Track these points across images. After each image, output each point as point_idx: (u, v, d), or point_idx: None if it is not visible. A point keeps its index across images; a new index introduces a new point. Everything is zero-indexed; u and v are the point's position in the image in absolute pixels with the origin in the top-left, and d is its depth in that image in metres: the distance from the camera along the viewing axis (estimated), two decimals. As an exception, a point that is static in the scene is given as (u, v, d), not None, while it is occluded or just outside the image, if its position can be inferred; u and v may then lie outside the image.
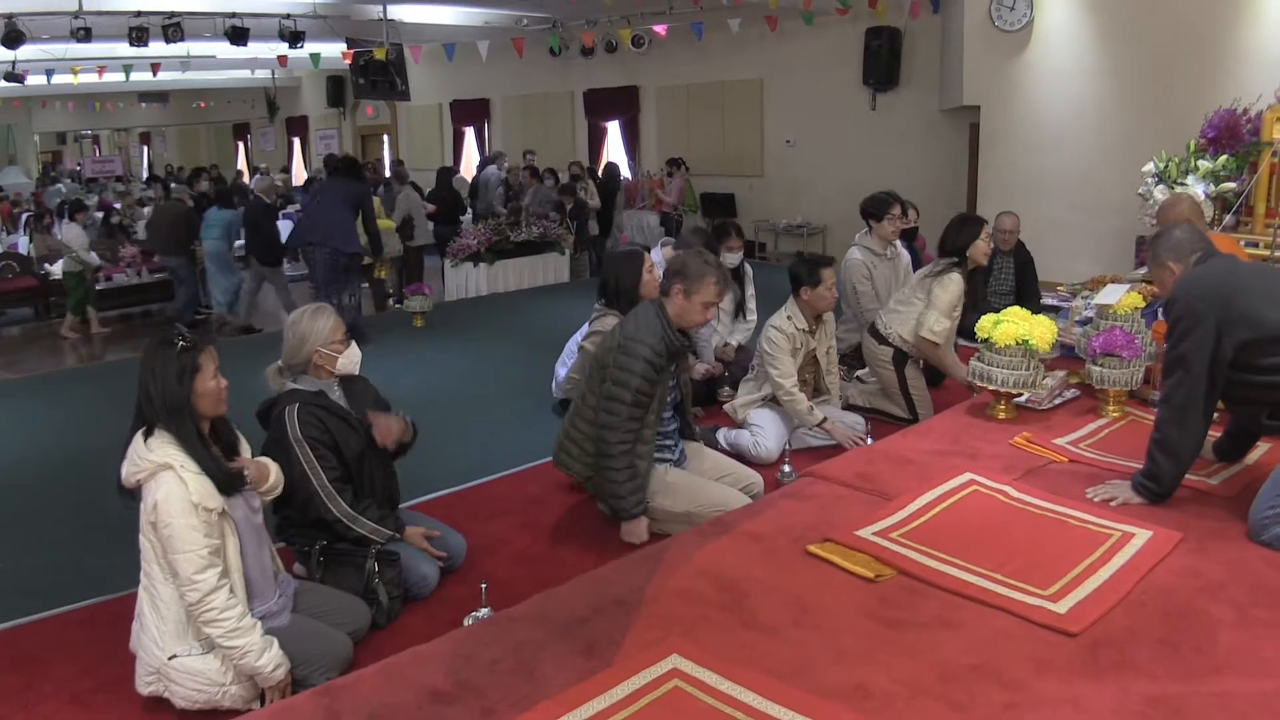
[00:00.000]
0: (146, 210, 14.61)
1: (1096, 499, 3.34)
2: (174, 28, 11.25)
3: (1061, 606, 2.63)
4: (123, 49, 11.91)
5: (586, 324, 5.37)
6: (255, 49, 12.97)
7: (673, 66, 14.52)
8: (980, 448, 3.96)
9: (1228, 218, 6.71)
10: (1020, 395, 4.36)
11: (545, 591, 2.87)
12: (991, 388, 4.31)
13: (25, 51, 11.61)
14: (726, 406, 5.36)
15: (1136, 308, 4.63)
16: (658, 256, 5.66)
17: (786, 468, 4.62)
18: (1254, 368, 3.04)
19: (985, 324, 4.40)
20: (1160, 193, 6.87)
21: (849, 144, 12.43)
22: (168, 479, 2.68)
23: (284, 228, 10.64)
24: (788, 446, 4.91)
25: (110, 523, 3.99)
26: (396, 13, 12.87)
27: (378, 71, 13.98)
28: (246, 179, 18.51)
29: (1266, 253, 6.09)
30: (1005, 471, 3.64)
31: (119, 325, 10.42)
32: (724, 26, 12.18)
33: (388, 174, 14.21)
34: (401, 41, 13.81)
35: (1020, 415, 4.36)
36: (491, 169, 13.82)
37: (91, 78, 15.52)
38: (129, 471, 2.74)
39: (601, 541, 4.03)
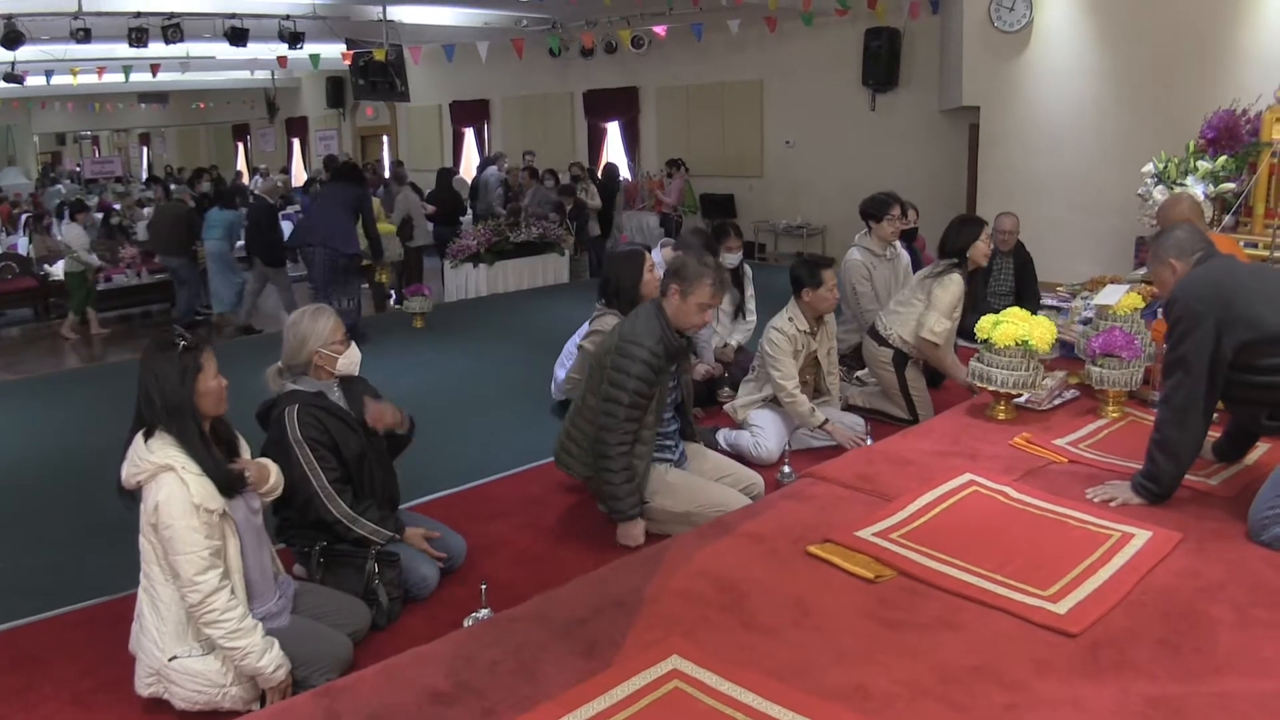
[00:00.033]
0: (146, 211, 14.61)
1: (1096, 499, 3.34)
2: (173, 29, 11.25)
3: (1061, 607, 2.63)
4: (122, 50, 11.92)
5: (586, 324, 5.37)
6: (255, 50, 12.98)
7: (672, 67, 14.52)
8: (980, 448, 3.96)
9: (1227, 218, 6.72)
10: (1020, 396, 4.36)
11: (545, 592, 2.87)
12: (991, 388, 4.31)
13: (25, 52, 11.61)
14: (727, 407, 5.36)
15: (1136, 308, 4.63)
16: (657, 257, 5.66)
17: (786, 468, 4.62)
18: (1254, 368, 3.04)
19: (985, 325, 4.40)
20: (1160, 193, 6.88)
21: (848, 145, 12.44)
22: (169, 480, 2.68)
23: (284, 228, 10.64)
24: (788, 447, 4.91)
25: (110, 524, 4.00)
26: (396, 13, 12.87)
27: (377, 72, 13.98)
28: (246, 180, 18.51)
29: (1266, 253, 6.09)
30: (1005, 472, 3.65)
31: (119, 326, 10.42)
32: (723, 27, 12.19)
33: (387, 175, 14.21)
34: (401, 42, 13.81)
35: (1020, 416, 4.36)
36: (492, 170, 13.83)
37: (91, 78, 15.52)
38: (129, 473, 2.74)
39: (602, 542, 4.03)
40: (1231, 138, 6.92)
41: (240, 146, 26.17)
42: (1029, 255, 6.97)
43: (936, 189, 11.08)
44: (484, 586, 3.23)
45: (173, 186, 17.48)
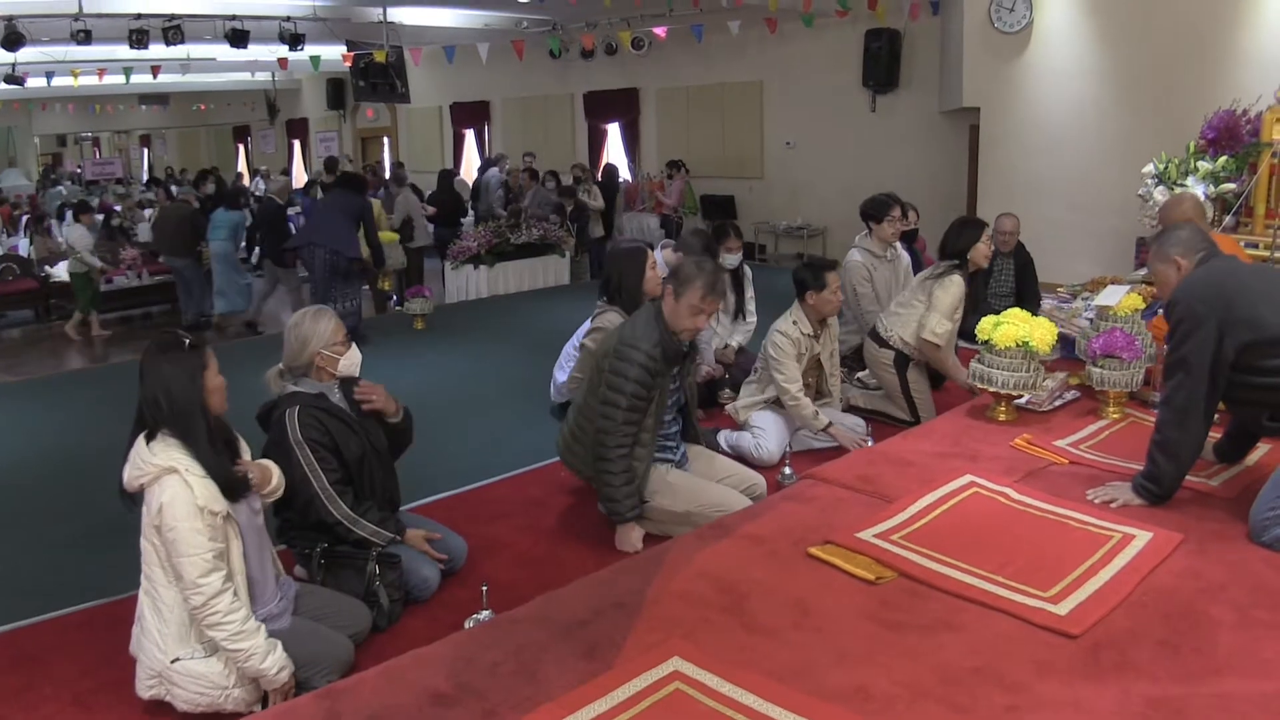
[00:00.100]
0: (147, 213, 14.64)
1: (1097, 500, 3.34)
2: (174, 30, 11.26)
3: (1062, 608, 2.63)
4: (123, 51, 11.92)
5: (586, 324, 5.37)
6: (255, 51, 12.97)
7: (672, 68, 14.53)
8: (981, 450, 3.96)
9: (1227, 219, 6.72)
10: (1020, 397, 4.37)
11: (546, 594, 2.87)
12: (992, 390, 4.32)
13: (25, 54, 11.63)
14: (728, 408, 5.36)
15: (1136, 309, 4.63)
16: (658, 258, 5.65)
17: (787, 470, 4.62)
18: (1255, 369, 3.04)
19: (985, 326, 4.41)
20: (1160, 194, 6.88)
21: (849, 146, 12.44)
22: (172, 483, 2.68)
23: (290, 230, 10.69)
24: (789, 448, 4.91)
25: (110, 525, 4.01)
26: (396, 15, 12.87)
27: (378, 74, 13.98)
28: (246, 181, 18.52)
29: (1266, 253, 6.09)
30: (1006, 473, 3.65)
31: (119, 328, 10.43)
32: (724, 28, 12.19)
33: (388, 177, 14.21)
34: (401, 44, 13.81)
35: (1021, 417, 4.37)
36: (493, 171, 13.83)
37: (92, 80, 15.53)
38: (131, 475, 2.74)
39: (602, 544, 4.03)
40: (1232, 138, 6.92)
41: (241, 148, 26.17)
42: (1029, 256, 6.97)
43: (937, 190, 11.08)
44: (485, 588, 3.24)
45: (174, 188, 17.51)
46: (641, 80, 15.13)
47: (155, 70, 14.51)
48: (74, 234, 9.98)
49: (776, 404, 5.03)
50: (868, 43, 11.90)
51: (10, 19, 10.36)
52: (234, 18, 11.60)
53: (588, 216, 12.22)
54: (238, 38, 11.75)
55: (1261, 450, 3.69)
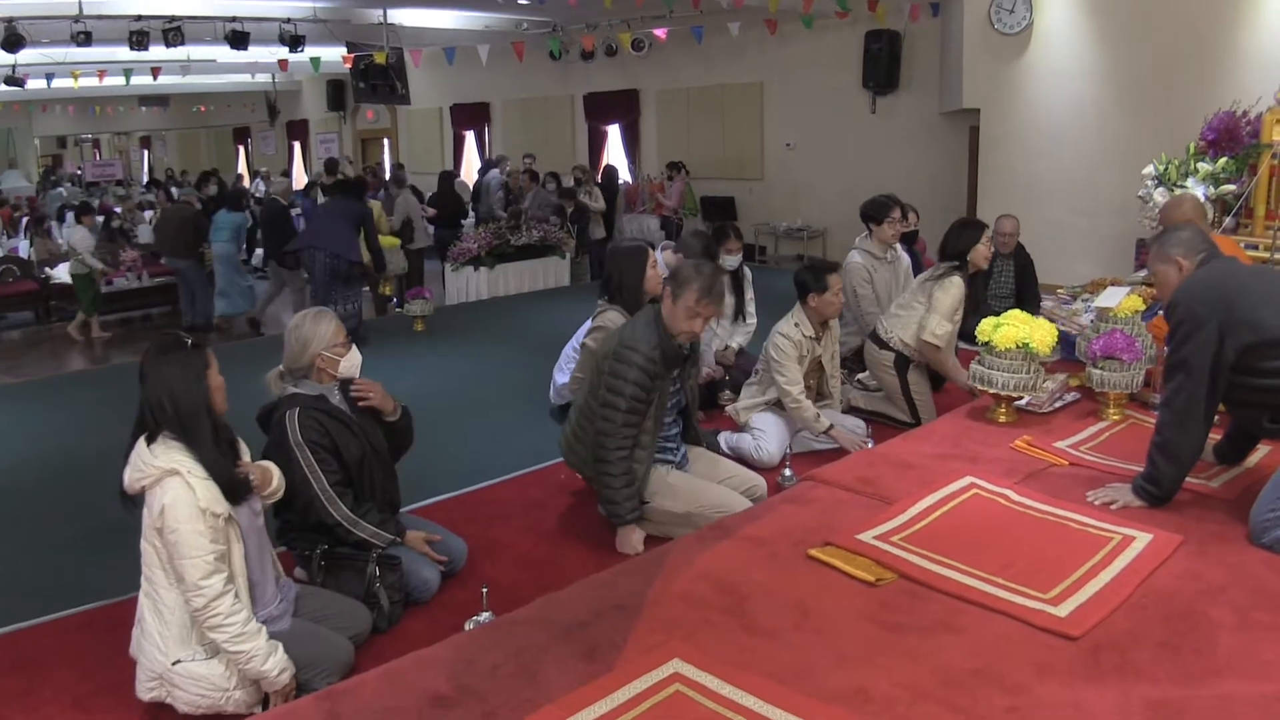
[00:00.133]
0: (148, 215, 14.63)
1: (1097, 502, 3.34)
2: (174, 32, 11.26)
3: (1062, 610, 2.63)
4: (123, 53, 11.92)
5: (585, 325, 5.37)
6: (255, 53, 12.96)
7: (673, 70, 14.53)
8: (981, 451, 3.96)
9: (1227, 220, 6.72)
10: (1021, 399, 4.37)
11: (546, 595, 2.87)
12: (992, 391, 4.32)
13: (25, 55, 11.61)
14: (729, 409, 5.35)
15: (1136, 311, 4.64)
16: (658, 259, 5.65)
17: (788, 471, 4.62)
18: (1255, 371, 3.04)
19: (985, 327, 4.41)
20: (1160, 195, 6.88)
21: (849, 147, 12.44)
22: (174, 485, 2.68)
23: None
24: (789, 450, 4.91)
25: (110, 526, 4.00)
26: (396, 17, 12.87)
27: (378, 75, 13.97)
28: (246, 183, 18.53)
29: (1266, 255, 6.10)
30: (1006, 475, 3.65)
31: (119, 329, 10.42)
32: (724, 30, 12.18)
33: (388, 178, 14.22)
34: (401, 45, 13.81)
35: (1021, 418, 4.37)
36: (494, 173, 13.84)
37: (92, 81, 15.52)
38: (133, 478, 2.73)
39: (603, 545, 4.03)
40: (1232, 139, 6.93)
41: (241, 150, 26.19)
42: (1029, 257, 6.97)
43: (937, 191, 11.09)
44: (485, 590, 3.24)
45: (175, 190, 17.51)
46: (642, 81, 15.14)
47: (155, 72, 14.51)
48: (75, 235, 9.98)
49: (777, 406, 5.03)
50: (868, 44, 11.90)
51: (10, 20, 10.37)
52: (234, 19, 11.60)
53: (588, 218, 12.22)
54: (238, 39, 11.75)
55: (1261, 452, 3.69)
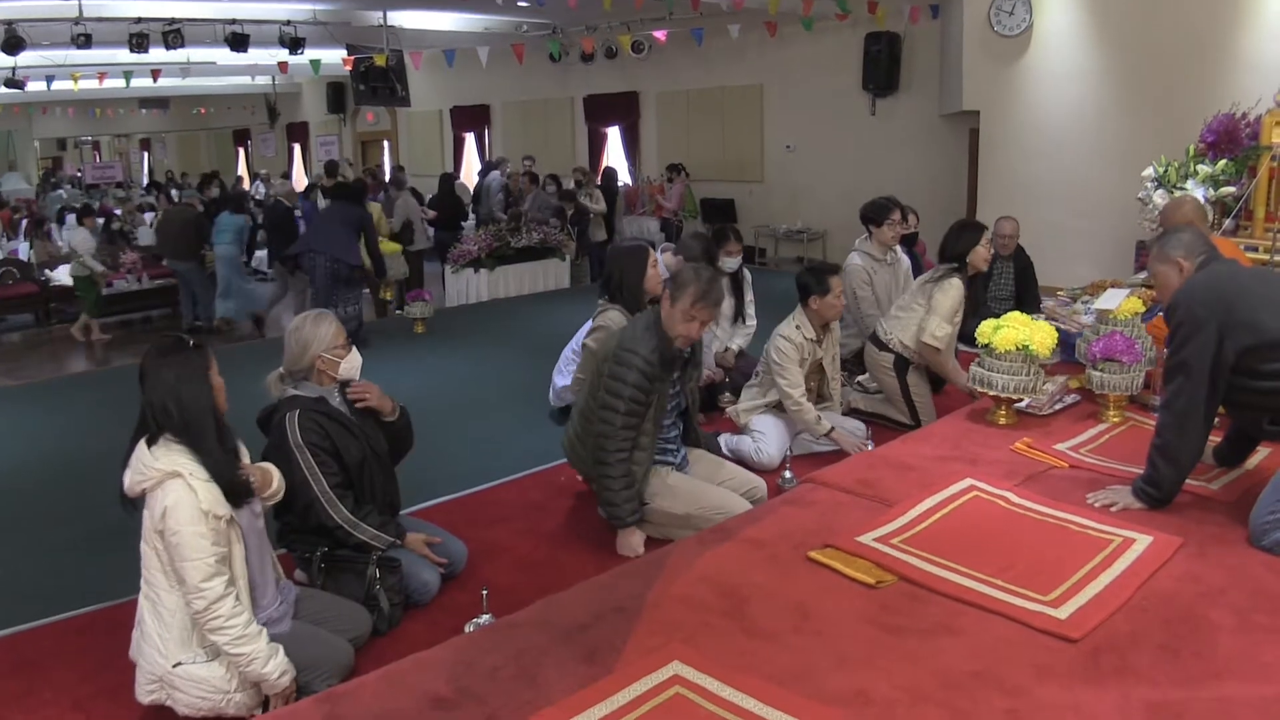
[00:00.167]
0: (148, 217, 14.64)
1: (1097, 504, 3.34)
2: (174, 34, 11.27)
3: (1062, 612, 2.63)
4: (123, 55, 11.94)
5: (584, 327, 5.37)
6: (255, 55, 12.99)
7: (673, 72, 14.54)
8: (981, 453, 3.96)
9: (1227, 222, 6.73)
10: (1021, 400, 4.37)
11: (547, 598, 2.88)
12: (992, 393, 4.32)
13: (26, 57, 11.62)
14: (729, 411, 5.35)
15: (1136, 313, 4.64)
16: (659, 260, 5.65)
17: (788, 473, 4.62)
18: (1255, 373, 3.04)
19: (985, 329, 4.41)
20: (1160, 197, 6.89)
21: (849, 149, 12.45)
22: (176, 487, 2.67)
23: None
24: (789, 452, 4.91)
25: (110, 528, 4.00)
26: (397, 19, 12.89)
27: (378, 77, 13.98)
28: (246, 185, 18.53)
29: (1266, 257, 6.10)
30: (1006, 477, 3.65)
31: (119, 332, 10.42)
32: (724, 32, 12.19)
33: (388, 180, 14.24)
34: (402, 48, 13.82)
35: (1021, 420, 4.37)
36: (495, 174, 13.85)
37: (92, 84, 15.53)
38: (133, 480, 2.73)
39: (603, 548, 4.03)
40: (1231, 141, 6.93)
41: (241, 152, 26.20)
42: (1029, 259, 6.98)
43: (937, 193, 11.09)
44: (485, 592, 3.24)
45: (175, 192, 17.51)
46: (641, 84, 15.15)
47: (155, 74, 14.51)
48: (77, 237, 9.99)
49: (778, 408, 5.03)
50: (867, 46, 11.91)
51: (10, 23, 10.37)
52: (234, 21, 11.62)
53: (588, 220, 12.23)
54: (238, 41, 11.76)
55: (1261, 454, 3.69)
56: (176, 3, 11.02)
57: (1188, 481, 3.31)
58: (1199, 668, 2.37)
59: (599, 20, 13.36)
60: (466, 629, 3.13)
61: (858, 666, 2.43)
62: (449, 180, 12.61)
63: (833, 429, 4.88)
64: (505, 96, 17.34)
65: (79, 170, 24.08)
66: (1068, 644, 2.50)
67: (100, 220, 12.92)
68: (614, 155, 15.81)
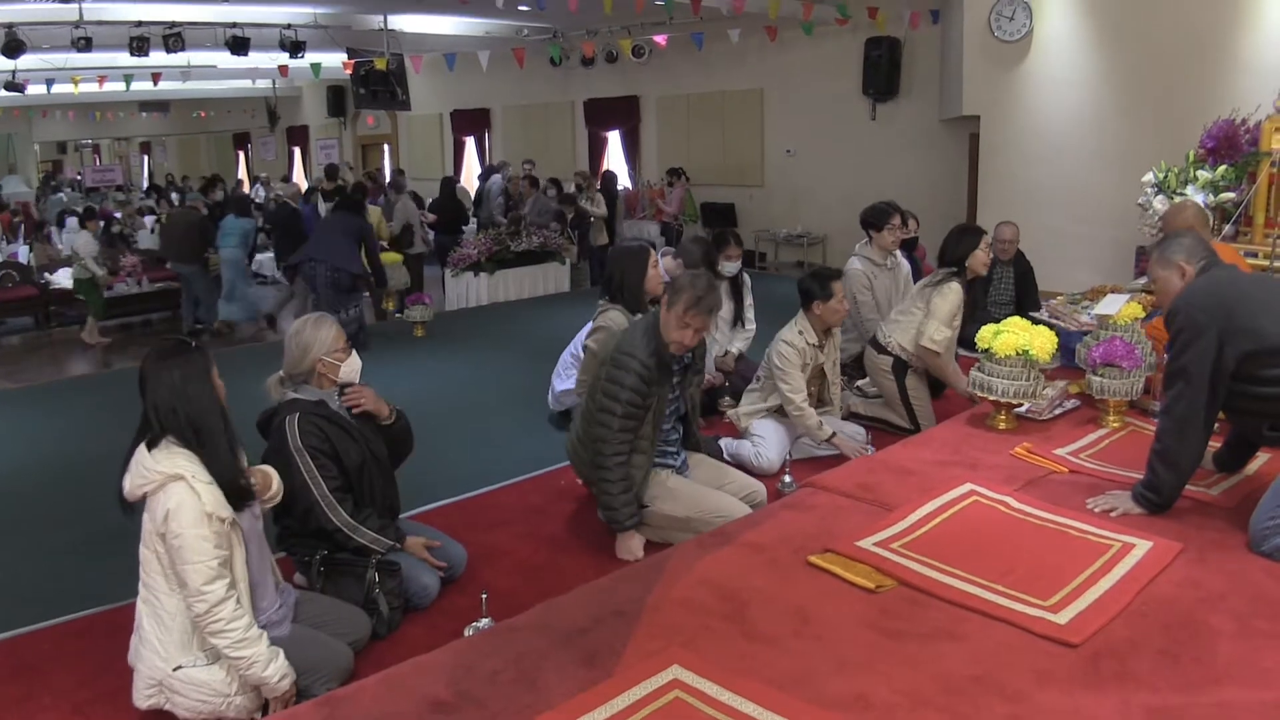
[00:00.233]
0: (148, 220, 14.65)
1: (1097, 510, 3.34)
2: (175, 38, 11.29)
3: (1062, 617, 2.63)
4: (123, 59, 11.96)
5: (583, 331, 5.37)
6: (256, 59, 13.01)
7: (673, 76, 14.55)
8: (981, 458, 3.96)
9: (1227, 228, 6.73)
10: (1020, 405, 4.37)
11: (546, 602, 2.88)
12: (992, 398, 4.32)
13: (26, 61, 11.64)
14: (730, 414, 5.34)
15: (1136, 318, 4.64)
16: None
17: (787, 478, 4.62)
18: (1256, 379, 3.04)
19: (985, 334, 4.41)
20: (1160, 203, 6.89)
21: (849, 154, 12.46)
22: (179, 489, 2.67)
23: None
24: (789, 456, 4.91)
25: (110, 531, 3.99)
26: (397, 23, 12.91)
27: (378, 81, 14.00)
28: (246, 188, 18.54)
29: (1266, 263, 6.10)
30: (1006, 482, 3.65)
31: (119, 335, 10.41)
32: (724, 37, 12.21)
33: (388, 183, 14.24)
34: (402, 51, 13.85)
35: (1020, 425, 4.37)
36: (496, 178, 13.86)
37: (92, 87, 15.57)
38: (134, 484, 2.72)
39: (602, 551, 4.03)
40: (1231, 147, 6.94)
41: (241, 155, 26.22)
42: (1029, 264, 6.99)
43: (937, 198, 11.10)
44: (484, 596, 3.23)
45: (175, 195, 17.51)
46: (642, 88, 15.16)
47: (156, 77, 14.54)
48: (79, 240, 10.00)
49: (779, 412, 5.03)
50: (868, 51, 11.92)
51: (11, 26, 10.38)
52: (235, 25, 11.63)
53: (589, 224, 12.24)
54: (238, 45, 11.78)
55: (1261, 459, 3.69)
56: (177, 6, 11.04)
57: (1187, 487, 3.31)
58: (1199, 673, 2.37)
59: (599, 24, 13.38)
60: (466, 633, 3.13)
61: (857, 671, 2.43)
62: (450, 184, 12.63)
63: (834, 434, 4.88)
64: (506, 100, 17.35)
65: (79, 173, 24.08)
66: (1068, 649, 2.50)
67: (100, 223, 12.90)
68: (614, 159, 15.81)
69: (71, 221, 13.48)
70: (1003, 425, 4.34)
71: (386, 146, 20.97)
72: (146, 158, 29.46)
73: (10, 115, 22.85)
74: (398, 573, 3.44)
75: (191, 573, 2.64)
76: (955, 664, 2.45)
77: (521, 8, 11.79)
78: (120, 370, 8.40)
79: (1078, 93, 8.88)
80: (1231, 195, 6.76)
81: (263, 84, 20.92)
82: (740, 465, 4.82)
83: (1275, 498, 2.99)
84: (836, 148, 12.63)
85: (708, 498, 4.08)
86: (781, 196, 13.50)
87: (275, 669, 2.74)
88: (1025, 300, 6.82)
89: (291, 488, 3.29)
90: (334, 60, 13.94)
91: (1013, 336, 4.30)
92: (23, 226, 14.35)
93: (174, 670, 2.74)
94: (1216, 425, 3.23)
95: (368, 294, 8.75)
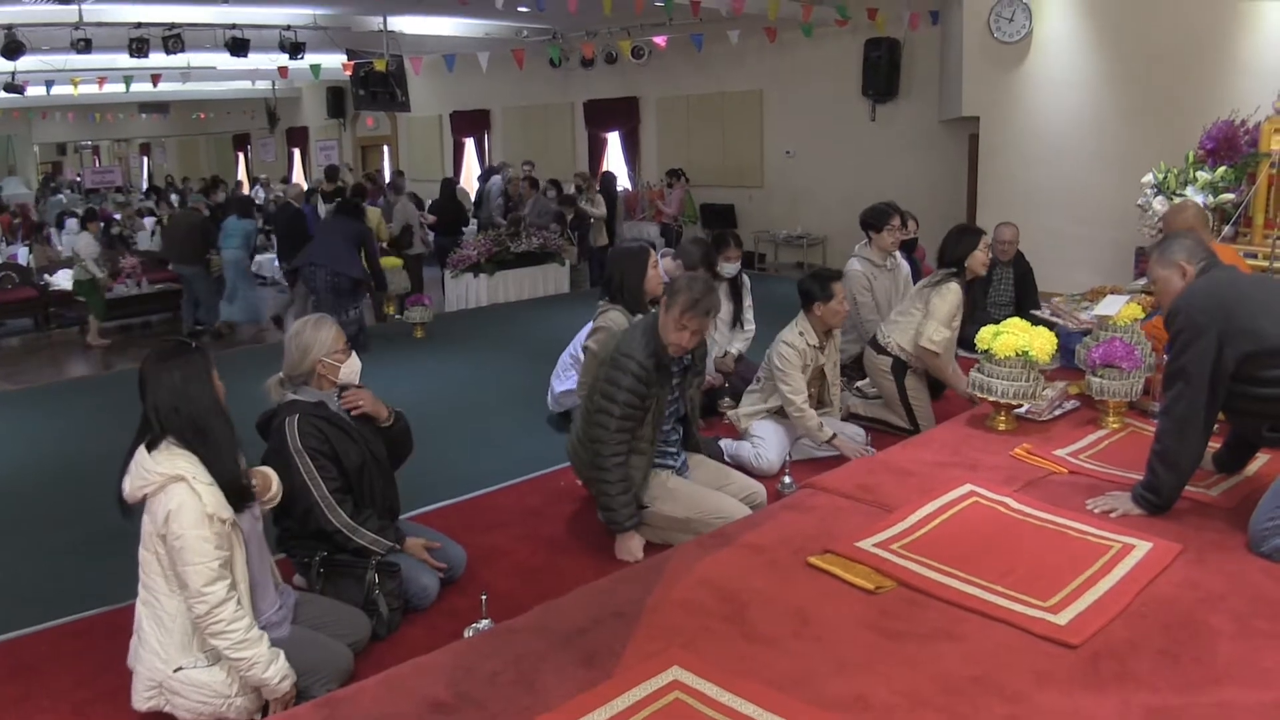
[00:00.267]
0: (147, 221, 14.64)
1: (1096, 510, 3.34)
2: (174, 39, 11.29)
3: (1062, 618, 2.63)
4: (123, 60, 11.95)
5: (582, 332, 5.36)
6: (255, 60, 13.01)
7: (672, 77, 14.56)
8: (980, 459, 3.96)
9: (1226, 229, 6.73)
10: (1020, 406, 4.37)
11: (546, 603, 2.88)
12: (991, 399, 4.32)
13: (25, 62, 11.63)
14: (729, 415, 5.34)
15: (1136, 319, 4.64)
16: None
17: (787, 479, 4.62)
18: (1255, 380, 3.04)
19: (985, 335, 4.41)
20: (1159, 204, 6.90)
21: (848, 155, 12.46)
22: (180, 491, 2.67)
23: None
24: (789, 457, 4.91)
25: (110, 532, 3.98)
26: (397, 24, 12.91)
27: (378, 83, 14.01)
28: (246, 190, 18.54)
29: (1265, 264, 6.10)
30: (1005, 483, 3.65)
31: (118, 336, 10.41)
32: (723, 38, 12.21)
33: (387, 184, 14.25)
34: (402, 53, 13.85)
35: (1020, 426, 4.37)
36: (496, 179, 13.86)
37: (92, 89, 15.56)
38: (134, 486, 2.71)
39: (602, 553, 4.02)
40: (1230, 148, 6.94)
41: (241, 156, 26.21)
42: (1029, 265, 6.99)
43: (936, 199, 11.10)
44: (484, 597, 3.23)
45: (175, 196, 17.51)
46: (641, 89, 15.16)
47: (155, 79, 14.53)
48: (80, 242, 10.00)
49: (778, 413, 5.03)
50: (867, 52, 11.92)
51: (10, 28, 10.38)
52: (234, 26, 11.63)
53: (588, 225, 12.24)
54: (238, 46, 11.78)
55: (1261, 460, 3.69)
56: (176, 7, 11.03)
57: (1187, 488, 3.31)
58: (1198, 673, 2.37)
59: (599, 25, 13.39)
60: (466, 634, 3.12)
61: (857, 672, 2.43)
62: (450, 185, 12.63)
63: (835, 435, 4.88)
64: (505, 101, 17.35)
65: (79, 175, 24.09)
66: (1067, 650, 2.50)
67: (100, 225, 12.90)
68: (614, 160, 15.81)
69: (71, 223, 13.48)
70: (1002, 426, 4.34)
71: (386, 148, 20.97)
72: (146, 159, 29.49)
73: (10, 117, 22.88)
74: (397, 574, 3.44)
75: (192, 574, 2.64)
76: (955, 665, 2.45)
77: (521, 9, 11.79)
78: (120, 372, 8.40)
79: (1077, 94, 8.88)
80: (1231, 196, 6.76)
81: (262, 85, 20.91)
82: (740, 466, 4.82)
83: (1275, 498, 2.99)
84: (836, 149, 12.63)
85: (707, 499, 4.08)
86: (781, 197, 13.50)
87: (276, 670, 2.74)
88: (1025, 301, 6.82)
89: (291, 489, 3.29)
90: (333, 61, 13.94)
91: (1012, 337, 4.30)
92: (22, 228, 14.35)
93: (174, 672, 2.74)
94: (1216, 426, 3.23)
95: (368, 296, 8.76)
